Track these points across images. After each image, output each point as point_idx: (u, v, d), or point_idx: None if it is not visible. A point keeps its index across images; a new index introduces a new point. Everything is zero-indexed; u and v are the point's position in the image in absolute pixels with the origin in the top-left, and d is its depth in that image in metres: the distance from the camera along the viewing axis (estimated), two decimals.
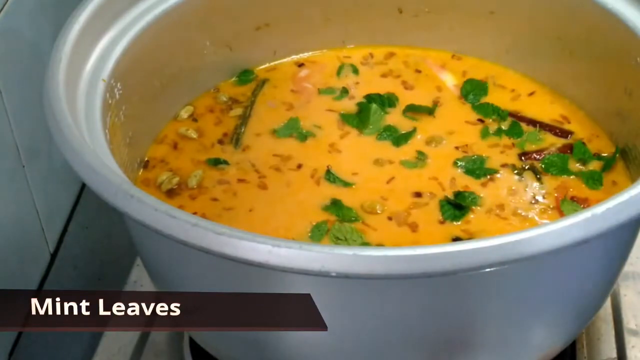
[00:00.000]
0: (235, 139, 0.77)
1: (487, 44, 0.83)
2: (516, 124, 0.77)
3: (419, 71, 0.83)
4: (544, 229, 0.52)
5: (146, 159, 0.75)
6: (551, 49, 0.79)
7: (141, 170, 0.74)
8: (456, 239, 0.67)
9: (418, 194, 0.71)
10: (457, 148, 0.75)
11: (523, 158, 0.74)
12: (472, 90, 0.81)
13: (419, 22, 0.84)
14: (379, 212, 0.69)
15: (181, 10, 0.74)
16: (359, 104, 0.80)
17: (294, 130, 0.77)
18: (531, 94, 0.80)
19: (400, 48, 0.85)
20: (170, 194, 0.72)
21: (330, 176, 0.72)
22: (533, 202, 0.70)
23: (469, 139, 0.76)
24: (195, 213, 0.69)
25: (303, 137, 0.77)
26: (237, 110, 0.80)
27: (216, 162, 0.74)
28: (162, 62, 0.76)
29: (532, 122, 0.78)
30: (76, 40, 0.66)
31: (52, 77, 0.63)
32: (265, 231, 0.67)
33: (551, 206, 0.70)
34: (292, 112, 0.80)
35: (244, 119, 0.79)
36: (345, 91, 0.82)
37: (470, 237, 0.67)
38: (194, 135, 0.77)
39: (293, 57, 0.85)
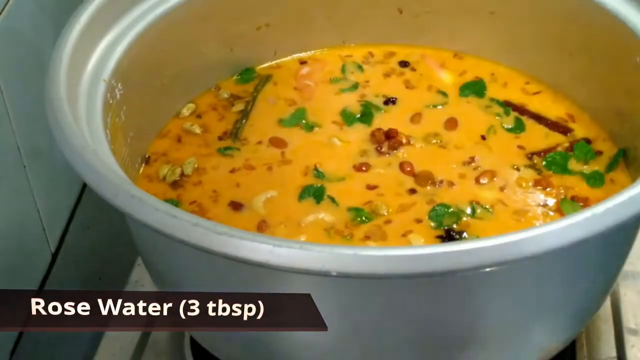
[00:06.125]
0: (234, 132, 0.77)
1: (488, 43, 0.83)
2: (519, 120, 0.77)
3: (418, 70, 0.83)
4: (544, 229, 0.52)
5: (148, 155, 0.75)
6: (551, 48, 0.79)
7: (143, 166, 0.75)
8: (449, 231, 0.67)
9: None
10: (458, 148, 0.75)
11: (529, 156, 0.74)
12: (472, 88, 0.81)
13: (419, 22, 0.84)
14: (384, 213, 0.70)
15: (182, 11, 0.75)
16: (363, 106, 0.80)
17: (301, 119, 0.78)
18: (535, 93, 0.80)
19: (400, 47, 0.85)
20: (175, 185, 0.73)
21: (319, 174, 0.73)
22: (534, 200, 0.70)
23: (472, 139, 0.76)
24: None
25: (309, 128, 0.77)
26: (239, 106, 0.80)
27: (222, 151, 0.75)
28: (163, 62, 0.76)
29: (536, 117, 0.78)
30: (77, 41, 0.66)
31: (53, 77, 0.63)
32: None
33: (552, 205, 0.70)
34: (294, 107, 0.80)
35: (245, 113, 0.79)
36: (355, 86, 0.82)
37: (467, 230, 0.68)
38: (198, 130, 0.78)
39: (294, 55, 0.85)
